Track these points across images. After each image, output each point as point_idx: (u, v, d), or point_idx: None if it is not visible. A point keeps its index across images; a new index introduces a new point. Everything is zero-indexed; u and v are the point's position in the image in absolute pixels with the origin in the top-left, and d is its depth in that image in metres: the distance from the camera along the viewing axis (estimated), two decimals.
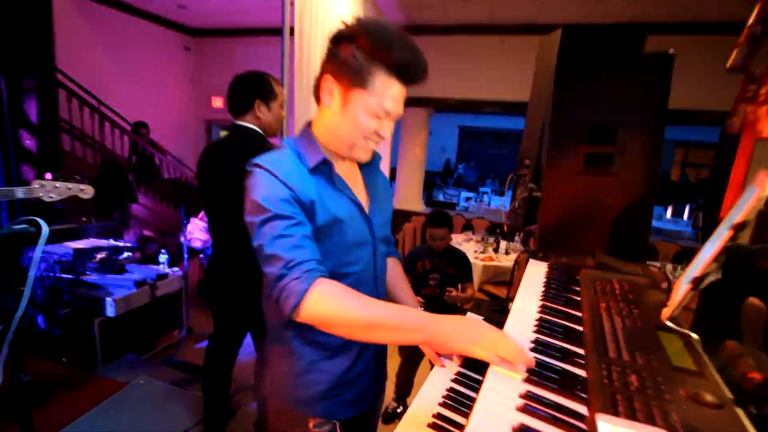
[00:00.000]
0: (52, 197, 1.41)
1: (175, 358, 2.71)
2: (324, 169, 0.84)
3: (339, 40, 0.80)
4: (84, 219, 2.87)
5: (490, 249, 3.29)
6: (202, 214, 3.38)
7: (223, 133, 6.16)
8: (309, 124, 0.90)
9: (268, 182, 0.78)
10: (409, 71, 0.78)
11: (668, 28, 4.39)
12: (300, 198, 0.78)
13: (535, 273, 1.11)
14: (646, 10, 4.24)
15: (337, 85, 0.79)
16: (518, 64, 5.18)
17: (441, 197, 6.02)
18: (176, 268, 3.02)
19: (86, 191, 1.48)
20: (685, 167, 9.69)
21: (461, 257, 2.21)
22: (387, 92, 0.78)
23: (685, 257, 3.21)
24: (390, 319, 0.71)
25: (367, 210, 0.91)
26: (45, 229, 1.00)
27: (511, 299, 0.97)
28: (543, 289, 0.98)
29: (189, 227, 2.93)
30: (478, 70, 5.33)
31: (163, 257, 3.01)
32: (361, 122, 0.80)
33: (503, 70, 5.27)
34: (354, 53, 0.76)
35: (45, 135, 3.15)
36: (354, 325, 0.72)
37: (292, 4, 2.46)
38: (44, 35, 3.21)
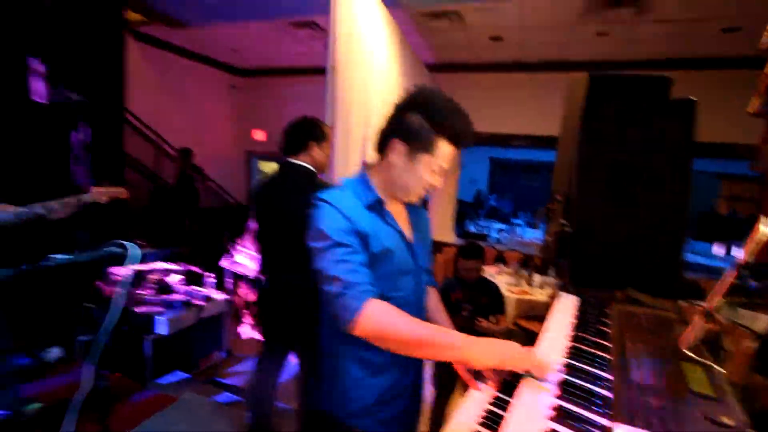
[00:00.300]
0: (103, 200, 1.89)
1: (217, 378, 2.84)
2: (377, 207, 0.99)
3: (406, 108, 0.96)
4: (141, 243, 3.14)
5: (524, 282, 3.29)
6: (244, 240, 3.61)
7: (263, 164, 6.46)
8: (365, 168, 1.05)
9: (332, 215, 0.93)
10: (464, 140, 0.96)
11: (697, 63, 4.42)
12: (358, 229, 0.92)
13: (566, 305, 1.18)
14: (673, 48, 4.29)
15: (406, 148, 0.95)
16: (546, 99, 5.30)
17: (472, 228, 6.04)
18: (221, 291, 3.22)
19: (123, 193, 2.02)
20: (734, 201, 9.17)
21: (493, 289, 2.26)
22: (446, 155, 0.96)
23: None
24: (433, 337, 0.83)
25: (411, 242, 1.04)
26: (136, 251, 1.19)
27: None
28: (573, 320, 1.05)
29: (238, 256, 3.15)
30: (507, 106, 5.49)
31: (208, 280, 3.22)
32: (425, 178, 0.97)
33: (531, 106, 5.41)
34: (421, 123, 0.93)
35: (111, 168, 3.51)
36: (402, 340, 0.84)
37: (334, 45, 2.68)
38: (116, 78, 3.65)
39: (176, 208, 4.81)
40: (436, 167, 0.96)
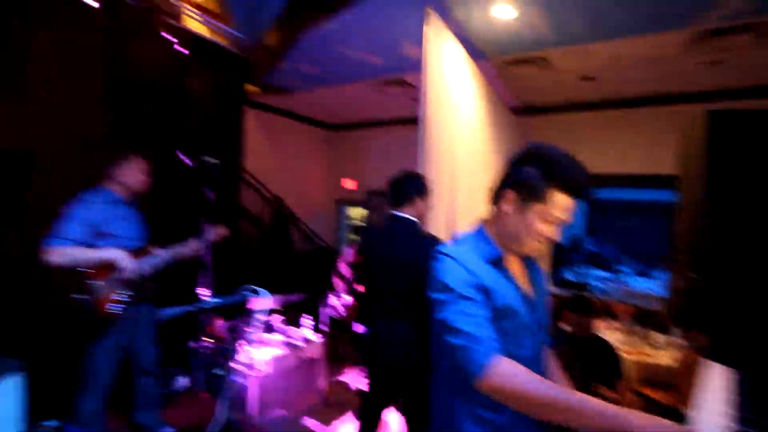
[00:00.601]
0: (213, 239, 2.34)
1: (314, 420, 2.92)
2: (497, 262, 0.99)
3: (519, 162, 0.99)
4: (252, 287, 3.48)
5: (639, 341, 2.88)
6: (338, 285, 3.78)
7: (351, 210, 6.86)
8: (482, 222, 1.08)
9: (455, 268, 0.95)
10: (580, 189, 0.94)
11: None
12: (480, 284, 0.94)
13: (716, 376, 1.02)
14: None
15: (517, 196, 0.97)
16: (649, 136, 4.90)
17: (570, 276, 5.56)
18: (317, 334, 3.37)
19: (225, 232, 2.44)
20: None
21: (607, 348, 2.04)
22: (560, 205, 0.94)
23: None
24: (572, 401, 0.77)
25: (531, 298, 1.02)
26: (267, 294, 1.35)
27: (681, 407, 0.91)
28: (731, 396, 0.91)
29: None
30: (605, 145, 5.16)
31: (307, 322, 3.41)
32: (536, 227, 0.96)
33: (632, 143, 5.03)
34: (534, 173, 0.94)
35: (228, 219, 4.03)
36: (535, 401, 0.79)
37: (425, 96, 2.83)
38: (237, 142, 4.28)
39: (271, 250, 5.27)
40: (550, 217, 0.95)
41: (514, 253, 1.03)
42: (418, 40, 2.69)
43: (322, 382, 3.31)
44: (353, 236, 7.84)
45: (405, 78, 4.68)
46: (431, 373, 1.08)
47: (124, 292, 1.98)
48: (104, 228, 1.96)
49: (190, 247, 2.24)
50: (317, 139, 7.84)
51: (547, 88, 4.84)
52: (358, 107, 6.44)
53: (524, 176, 0.96)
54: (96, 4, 2.78)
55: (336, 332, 3.86)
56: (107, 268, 1.93)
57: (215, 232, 2.38)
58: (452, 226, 2.72)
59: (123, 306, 1.97)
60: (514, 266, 1.04)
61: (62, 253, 1.83)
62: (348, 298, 3.43)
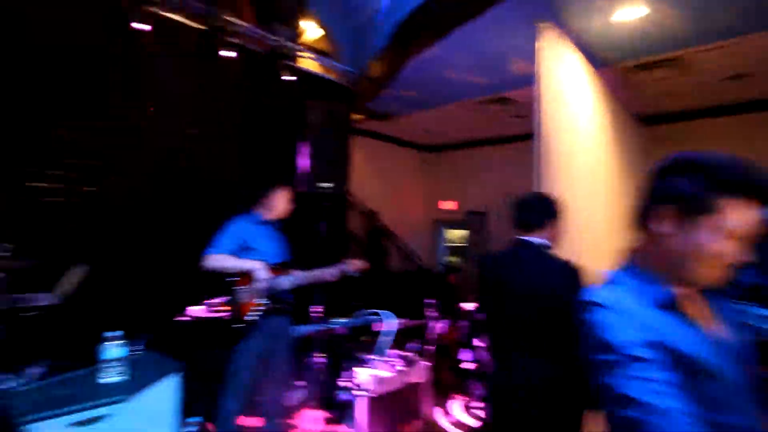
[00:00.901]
0: (353, 271, 2.48)
1: None
2: (671, 304, 0.81)
3: (668, 173, 0.83)
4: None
5: None
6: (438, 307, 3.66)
7: (449, 232, 6.70)
8: (632, 256, 0.90)
9: (617, 322, 0.79)
10: (762, 191, 0.75)
11: None
12: (655, 339, 0.77)
13: None
14: None
15: (675, 212, 0.80)
16: None
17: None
18: (421, 358, 3.30)
19: (365, 266, 2.48)
20: None
21: None
22: (738, 214, 0.75)
23: None
24: None
25: (729, 345, 0.82)
26: (391, 317, 1.34)
27: None
28: None
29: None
30: (761, 152, 4.28)
31: (412, 345, 3.37)
32: (710, 246, 0.77)
33: None
34: (693, 184, 0.78)
35: (338, 242, 4.26)
36: None
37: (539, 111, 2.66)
38: (345, 168, 4.55)
39: (370, 269, 5.38)
40: (727, 231, 0.75)
41: (687, 288, 0.83)
42: (525, 56, 2.58)
43: (426, 408, 3.20)
44: (452, 258, 7.68)
45: (507, 95, 4.52)
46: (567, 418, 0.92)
47: (262, 301, 2.24)
48: (249, 243, 2.26)
49: (330, 274, 2.43)
50: (415, 161, 7.96)
51: (681, 92, 4.22)
52: (456, 128, 6.40)
53: (681, 187, 0.79)
54: (234, 55, 3.24)
55: (440, 358, 3.73)
56: (248, 276, 2.23)
57: (355, 264, 2.52)
58: (575, 250, 2.47)
59: (261, 314, 2.23)
60: (692, 306, 0.84)
61: (216, 260, 2.18)
62: (446, 323, 3.30)
